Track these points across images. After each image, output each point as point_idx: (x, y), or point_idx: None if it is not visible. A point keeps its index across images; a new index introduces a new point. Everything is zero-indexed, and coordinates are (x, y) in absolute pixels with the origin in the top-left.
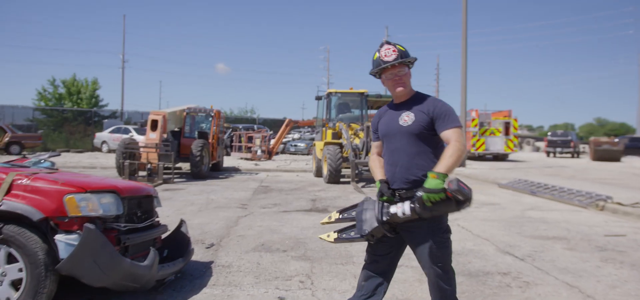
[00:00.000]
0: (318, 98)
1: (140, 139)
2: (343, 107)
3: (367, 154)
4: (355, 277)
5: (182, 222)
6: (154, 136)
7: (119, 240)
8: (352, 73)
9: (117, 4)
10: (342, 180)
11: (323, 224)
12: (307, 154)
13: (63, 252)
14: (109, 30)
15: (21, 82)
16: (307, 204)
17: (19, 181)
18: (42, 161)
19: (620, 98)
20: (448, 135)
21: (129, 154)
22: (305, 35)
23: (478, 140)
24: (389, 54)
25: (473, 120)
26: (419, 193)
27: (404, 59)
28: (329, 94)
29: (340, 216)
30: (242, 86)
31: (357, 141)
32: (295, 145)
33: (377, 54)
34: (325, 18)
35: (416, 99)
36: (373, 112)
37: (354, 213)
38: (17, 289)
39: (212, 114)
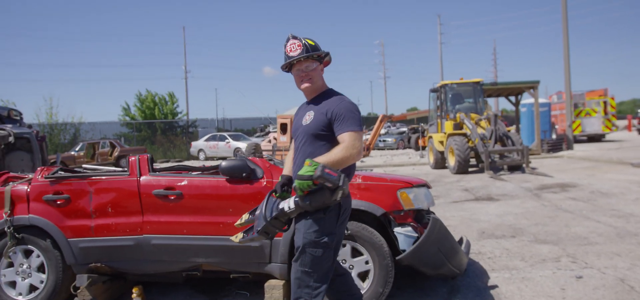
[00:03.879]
0: (434, 90)
1: (239, 144)
2: (456, 97)
3: (496, 142)
4: (619, 256)
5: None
6: (284, 139)
7: None
8: (408, 66)
9: (170, 16)
10: (469, 170)
11: (237, 225)
12: (397, 148)
13: (403, 244)
14: (165, 43)
15: (95, 98)
16: (466, 194)
17: (351, 181)
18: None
19: None
20: (342, 138)
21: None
22: (351, 31)
23: (573, 121)
24: (293, 49)
25: None
26: (294, 183)
27: (310, 54)
28: (443, 86)
29: (250, 216)
30: (292, 88)
31: (481, 130)
32: (384, 141)
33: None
34: (373, 8)
35: (323, 97)
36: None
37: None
38: (363, 280)
39: None
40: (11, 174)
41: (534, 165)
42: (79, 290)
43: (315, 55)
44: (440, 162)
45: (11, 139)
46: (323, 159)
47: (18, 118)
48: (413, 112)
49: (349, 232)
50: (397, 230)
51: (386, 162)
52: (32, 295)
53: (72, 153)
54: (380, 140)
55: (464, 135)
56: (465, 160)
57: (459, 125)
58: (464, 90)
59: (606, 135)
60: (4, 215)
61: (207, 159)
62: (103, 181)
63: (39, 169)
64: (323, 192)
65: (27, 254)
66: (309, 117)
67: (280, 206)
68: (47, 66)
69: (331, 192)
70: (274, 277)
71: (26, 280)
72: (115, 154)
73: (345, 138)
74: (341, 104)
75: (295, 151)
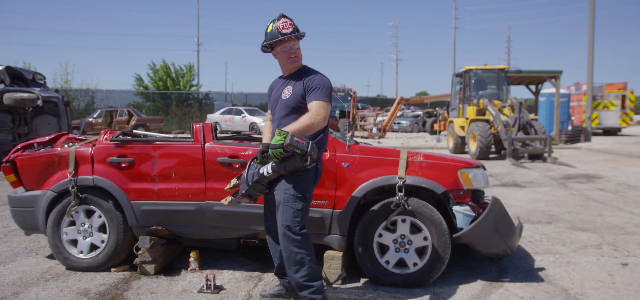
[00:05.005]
0: (458, 75)
1: (254, 119)
2: (480, 83)
3: (519, 130)
4: None
5: None
6: None
7: None
8: (419, 49)
9: None
10: (489, 156)
11: (227, 189)
12: (411, 131)
13: (461, 222)
14: (177, 14)
15: (109, 66)
16: (492, 180)
17: (413, 159)
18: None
19: None
20: (310, 106)
21: None
22: (363, 12)
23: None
24: (286, 27)
25: (584, 94)
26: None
27: (299, 33)
28: (467, 71)
29: (237, 181)
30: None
31: (504, 117)
32: (398, 123)
33: (272, 26)
34: None
35: (302, 73)
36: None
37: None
38: (419, 256)
39: (351, 94)
40: (70, 135)
41: (555, 155)
42: (139, 251)
43: (300, 36)
44: (460, 147)
45: (40, 102)
46: (290, 127)
47: (42, 82)
48: (423, 96)
49: (409, 208)
50: (456, 208)
51: (403, 145)
52: (93, 254)
53: (90, 120)
54: (395, 123)
55: (487, 121)
56: (487, 146)
57: (481, 111)
58: (487, 76)
59: (622, 129)
60: (68, 175)
61: (222, 132)
62: (167, 146)
63: (103, 131)
64: (294, 158)
65: (89, 214)
66: (288, 92)
67: (261, 171)
68: (63, 32)
69: (301, 158)
70: (332, 248)
71: (87, 239)
72: (132, 122)
73: (312, 106)
74: (316, 77)
75: (274, 122)
